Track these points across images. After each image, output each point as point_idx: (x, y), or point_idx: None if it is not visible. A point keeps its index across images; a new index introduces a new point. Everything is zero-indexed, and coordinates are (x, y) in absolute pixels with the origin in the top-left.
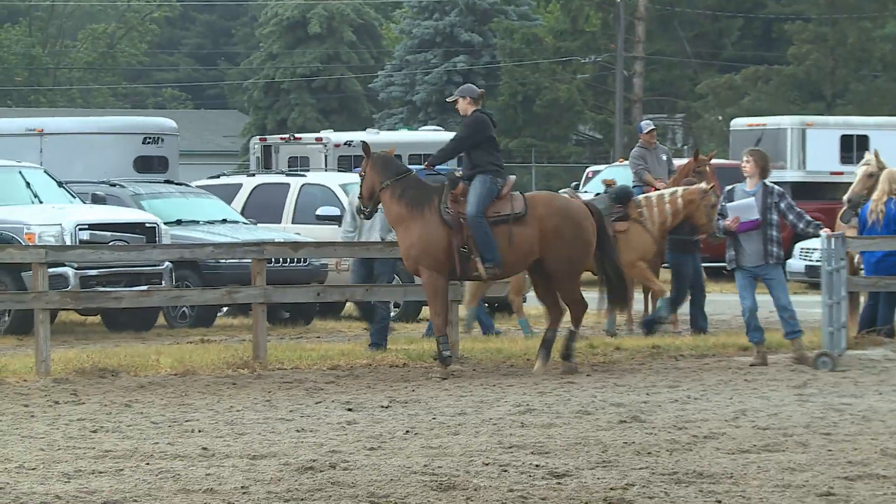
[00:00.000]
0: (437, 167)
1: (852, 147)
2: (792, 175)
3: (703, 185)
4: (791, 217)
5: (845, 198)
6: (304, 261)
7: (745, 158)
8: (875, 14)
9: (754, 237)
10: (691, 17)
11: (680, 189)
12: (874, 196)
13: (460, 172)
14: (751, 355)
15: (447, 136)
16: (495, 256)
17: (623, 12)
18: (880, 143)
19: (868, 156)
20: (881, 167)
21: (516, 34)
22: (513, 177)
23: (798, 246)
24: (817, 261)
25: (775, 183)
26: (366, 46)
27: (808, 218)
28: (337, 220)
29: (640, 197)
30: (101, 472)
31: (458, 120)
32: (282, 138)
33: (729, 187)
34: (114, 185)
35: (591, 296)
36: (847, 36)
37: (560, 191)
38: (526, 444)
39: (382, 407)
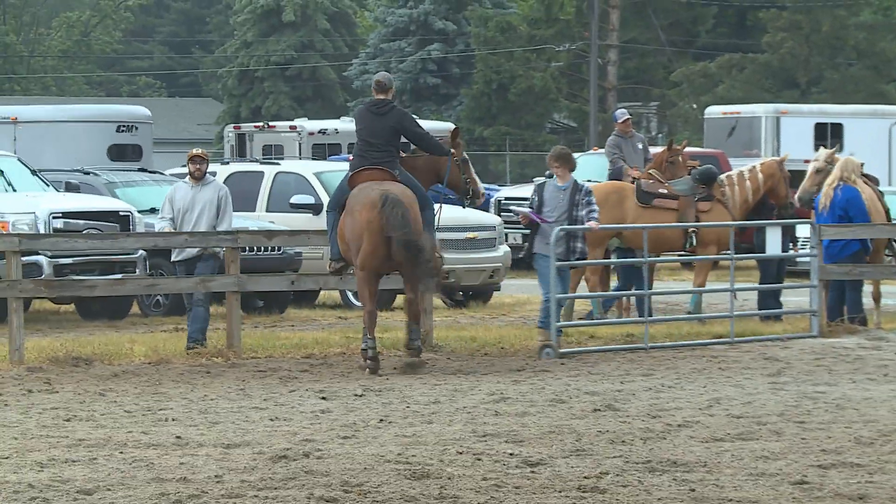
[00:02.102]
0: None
1: (827, 135)
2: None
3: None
4: (582, 212)
5: (796, 196)
6: (279, 249)
7: (554, 164)
8: (850, 2)
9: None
10: (666, 4)
11: (758, 164)
12: (827, 181)
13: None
14: (726, 345)
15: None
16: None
17: (597, 0)
18: (854, 132)
19: (819, 152)
20: (829, 163)
21: (490, 22)
22: None
23: None
24: None
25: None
26: (340, 34)
27: (595, 215)
28: (311, 208)
29: (723, 176)
30: (74, 461)
31: (433, 108)
32: (256, 126)
33: (539, 181)
34: (88, 174)
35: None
36: (821, 24)
37: (535, 180)
38: (500, 433)
39: (356, 395)
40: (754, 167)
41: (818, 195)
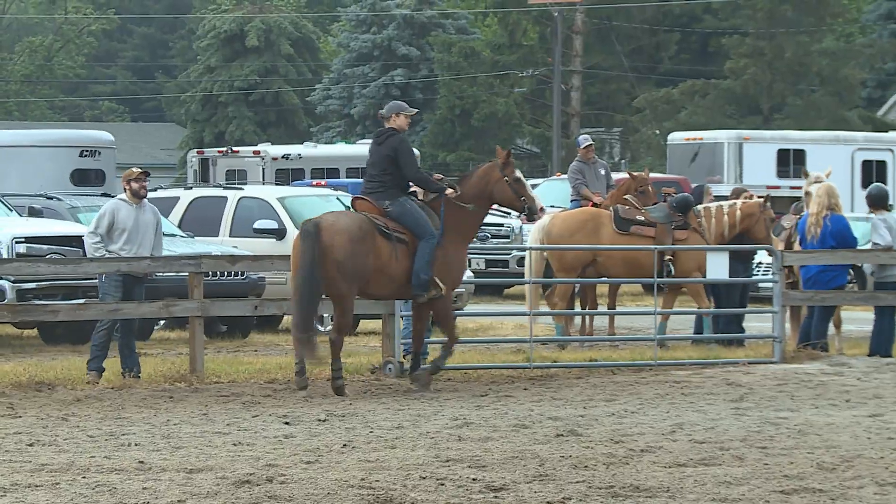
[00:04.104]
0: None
1: (789, 161)
2: (728, 189)
3: (760, 199)
4: None
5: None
6: (242, 274)
7: None
8: (812, 28)
9: None
10: (629, 31)
11: (739, 202)
12: (812, 210)
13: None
14: (689, 371)
15: None
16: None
17: (560, 26)
18: (817, 158)
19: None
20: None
21: (454, 48)
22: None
23: None
24: None
25: (717, 197)
26: (304, 59)
27: None
28: (275, 233)
29: (700, 207)
30: (37, 486)
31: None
32: (219, 151)
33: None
34: (51, 198)
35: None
36: (784, 50)
37: None
38: (463, 458)
39: (320, 420)
40: (735, 203)
41: (803, 217)
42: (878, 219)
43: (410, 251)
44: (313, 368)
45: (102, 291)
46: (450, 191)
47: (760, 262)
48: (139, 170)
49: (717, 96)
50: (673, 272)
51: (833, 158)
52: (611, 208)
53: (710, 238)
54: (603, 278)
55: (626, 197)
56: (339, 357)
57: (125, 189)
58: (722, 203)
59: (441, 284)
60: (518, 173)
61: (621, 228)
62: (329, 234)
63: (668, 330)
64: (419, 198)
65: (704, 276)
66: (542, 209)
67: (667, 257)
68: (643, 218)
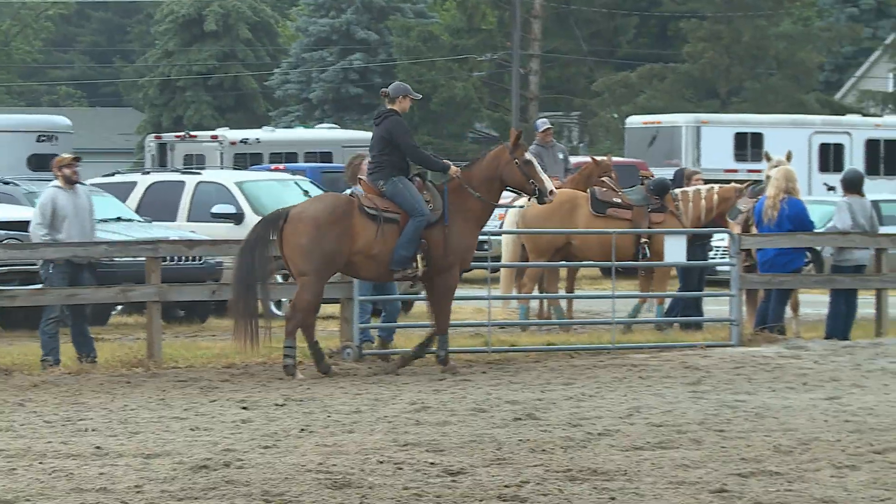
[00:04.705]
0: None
1: (746, 145)
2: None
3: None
4: None
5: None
6: (199, 259)
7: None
8: (770, 12)
9: None
10: (587, 14)
11: (716, 186)
12: (769, 193)
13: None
14: (646, 354)
15: (343, 133)
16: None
17: (519, 10)
18: (774, 141)
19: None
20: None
21: (412, 32)
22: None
23: None
24: None
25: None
26: (262, 44)
27: None
28: (233, 217)
29: (678, 191)
30: None
31: (355, 118)
32: (177, 136)
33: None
34: (7, 183)
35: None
36: (742, 34)
37: None
38: (421, 442)
39: (277, 405)
40: (712, 188)
41: (759, 205)
42: (844, 202)
43: (401, 230)
44: (271, 353)
45: (47, 282)
46: (453, 168)
47: (718, 246)
48: (70, 155)
49: (675, 80)
50: (648, 255)
51: (790, 142)
52: (588, 190)
53: (687, 221)
54: (562, 262)
55: (602, 179)
56: (293, 337)
57: (57, 176)
58: (699, 187)
59: (419, 264)
60: (528, 156)
61: (598, 211)
62: (294, 222)
63: (628, 314)
64: (427, 178)
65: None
66: (551, 192)
67: (643, 240)
68: (620, 200)
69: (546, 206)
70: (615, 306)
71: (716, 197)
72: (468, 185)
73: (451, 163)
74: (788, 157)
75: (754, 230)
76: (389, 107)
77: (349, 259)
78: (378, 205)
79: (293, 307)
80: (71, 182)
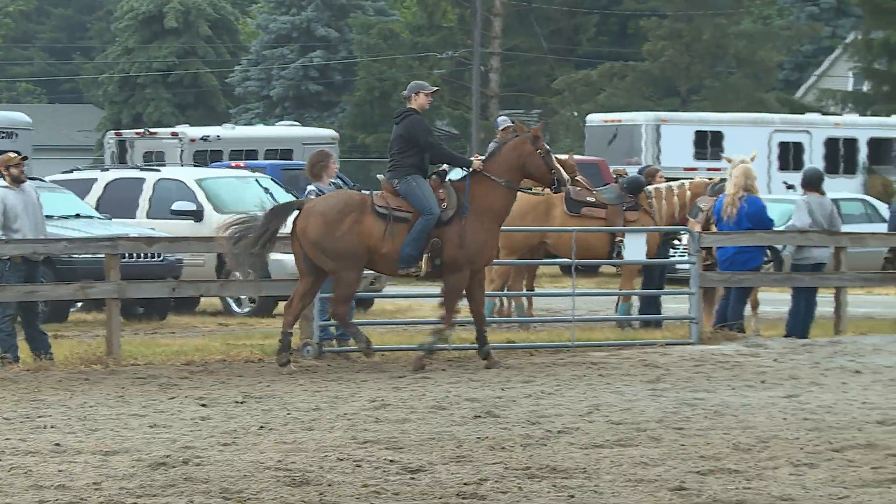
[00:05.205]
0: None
1: (706, 143)
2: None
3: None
4: None
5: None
6: (159, 256)
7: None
8: (730, 10)
9: None
10: (548, 12)
11: (687, 182)
12: (728, 190)
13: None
14: (606, 352)
15: (303, 131)
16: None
17: (480, 8)
18: (734, 140)
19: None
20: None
21: (373, 29)
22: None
23: None
24: None
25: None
26: (222, 41)
27: None
28: (193, 214)
29: (651, 188)
30: None
31: (315, 115)
32: (137, 133)
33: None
34: None
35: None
36: (702, 32)
37: None
38: (380, 440)
39: (236, 402)
40: (684, 184)
41: (718, 203)
42: (803, 200)
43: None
44: (230, 350)
45: (3, 279)
46: (476, 162)
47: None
48: (15, 154)
49: (635, 78)
50: (624, 253)
51: (750, 140)
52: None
53: (661, 219)
54: (525, 261)
55: (577, 178)
56: (349, 325)
57: (4, 175)
58: (671, 184)
59: (424, 264)
60: (546, 146)
61: (572, 210)
62: (304, 217)
63: (588, 312)
64: (445, 178)
65: (654, 257)
66: (568, 181)
67: (618, 238)
68: (594, 199)
69: (521, 205)
70: (575, 304)
71: (688, 193)
72: (491, 177)
73: (472, 159)
74: (753, 159)
75: (714, 228)
76: (409, 105)
77: (370, 254)
78: (390, 203)
79: (333, 301)
80: (18, 181)
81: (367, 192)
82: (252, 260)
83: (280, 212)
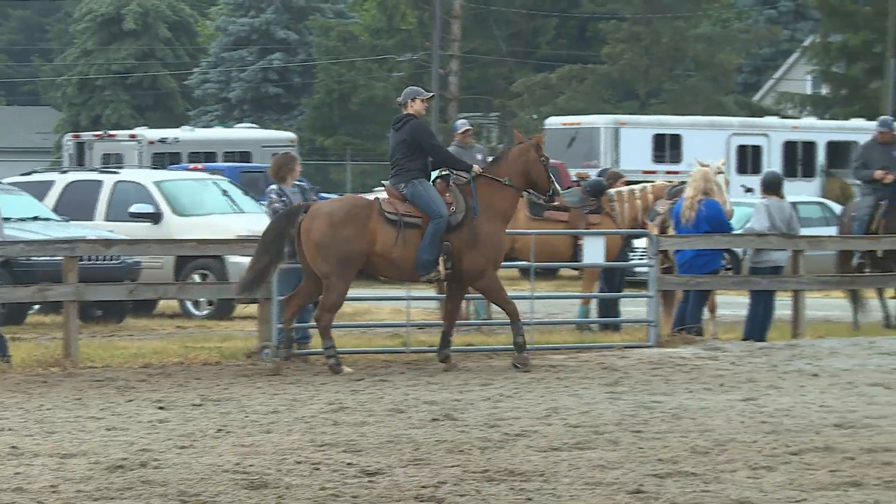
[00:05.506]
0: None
1: (665, 146)
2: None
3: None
4: None
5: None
6: (117, 258)
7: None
8: (689, 13)
9: None
10: (507, 15)
11: (649, 185)
12: (687, 194)
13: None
14: (564, 354)
15: (262, 133)
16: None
17: (439, 10)
18: (693, 143)
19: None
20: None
21: (332, 32)
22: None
23: None
24: None
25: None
26: (181, 43)
27: None
28: (151, 217)
29: (613, 191)
30: None
31: (274, 117)
32: (96, 135)
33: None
34: None
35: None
36: (661, 35)
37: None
38: (338, 443)
39: (194, 405)
40: (645, 186)
41: (676, 207)
42: (762, 203)
43: (423, 234)
44: (188, 353)
45: None
46: (476, 168)
47: (637, 247)
48: None
49: (594, 81)
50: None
51: (709, 143)
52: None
53: (623, 222)
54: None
55: None
56: (328, 336)
57: None
58: (634, 187)
59: (443, 267)
60: (546, 156)
61: (535, 214)
62: (310, 218)
63: (546, 315)
64: (450, 181)
65: (615, 260)
66: (559, 192)
67: (580, 241)
68: (557, 202)
69: None
70: (534, 307)
71: (650, 196)
72: (494, 176)
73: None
74: (722, 164)
75: (671, 231)
76: (406, 112)
77: (369, 259)
78: (399, 209)
79: (320, 308)
80: None
81: (374, 197)
82: (262, 285)
83: (291, 213)
